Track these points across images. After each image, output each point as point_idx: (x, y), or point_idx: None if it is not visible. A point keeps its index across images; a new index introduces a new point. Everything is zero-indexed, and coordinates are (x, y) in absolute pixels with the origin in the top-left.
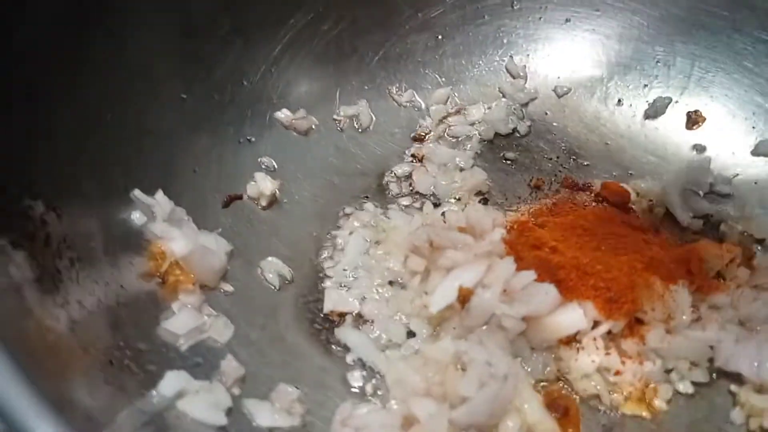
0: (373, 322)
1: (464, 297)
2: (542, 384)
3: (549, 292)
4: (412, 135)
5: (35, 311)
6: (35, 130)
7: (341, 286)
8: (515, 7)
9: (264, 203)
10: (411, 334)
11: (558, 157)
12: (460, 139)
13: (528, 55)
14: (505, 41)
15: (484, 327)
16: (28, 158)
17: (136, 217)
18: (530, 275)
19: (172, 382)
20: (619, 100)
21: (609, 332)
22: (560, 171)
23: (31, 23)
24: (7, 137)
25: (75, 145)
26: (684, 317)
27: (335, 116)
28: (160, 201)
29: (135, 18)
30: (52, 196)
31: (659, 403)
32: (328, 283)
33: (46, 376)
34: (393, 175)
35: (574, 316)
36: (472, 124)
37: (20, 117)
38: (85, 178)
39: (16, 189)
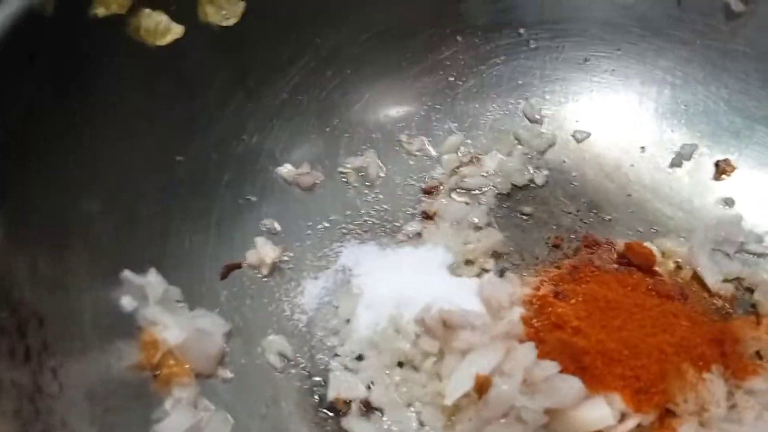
0: (381, 410)
1: (482, 386)
2: None
3: (574, 385)
4: (423, 187)
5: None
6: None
7: (347, 368)
8: (531, 46)
9: (265, 271)
10: (422, 425)
11: (578, 211)
12: (473, 192)
13: (545, 97)
14: (520, 82)
15: (503, 420)
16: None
17: (127, 302)
18: (554, 366)
19: None
20: (643, 147)
21: (638, 426)
22: (580, 227)
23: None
24: None
25: (60, 226)
26: (720, 409)
27: (341, 169)
28: (152, 281)
29: (125, 78)
30: (36, 293)
31: None
32: (333, 364)
33: None
34: (403, 233)
35: (600, 412)
36: (487, 175)
37: None
38: (73, 267)
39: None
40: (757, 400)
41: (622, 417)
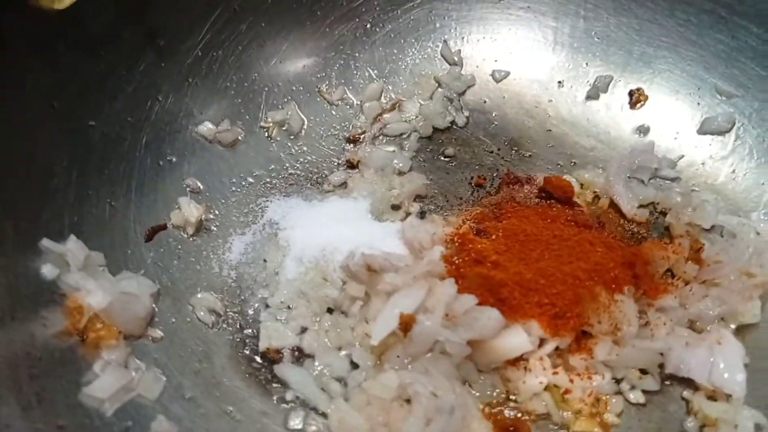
0: (313, 356)
1: (406, 324)
2: (492, 408)
3: (492, 316)
4: (347, 136)
5: None
6: None
7: (277, 318)
8: None
9: (191, 230)
10: (354, 366)
11: (499, 149)
12: (396, 137)
13: (463, 38)
14: (437, 25)
15: (429, 354)
16: None
17: (47, 270)
18: (472, 299)
19: None
20: (560, 82)
21: (556, 348)
22: (502, 165)
23: None
24: None
25: None
26: (631, 327)
27: (263, 123)
28: (72, 248)
29: (27, 46)
30: None
31: (611, 417)
32: (263, 315)
33: None
34: (329, 184)
35: (518, 339)
36: (409, 121)
37: None
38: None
39: None
40: (667, 317)
41: (541, 342)
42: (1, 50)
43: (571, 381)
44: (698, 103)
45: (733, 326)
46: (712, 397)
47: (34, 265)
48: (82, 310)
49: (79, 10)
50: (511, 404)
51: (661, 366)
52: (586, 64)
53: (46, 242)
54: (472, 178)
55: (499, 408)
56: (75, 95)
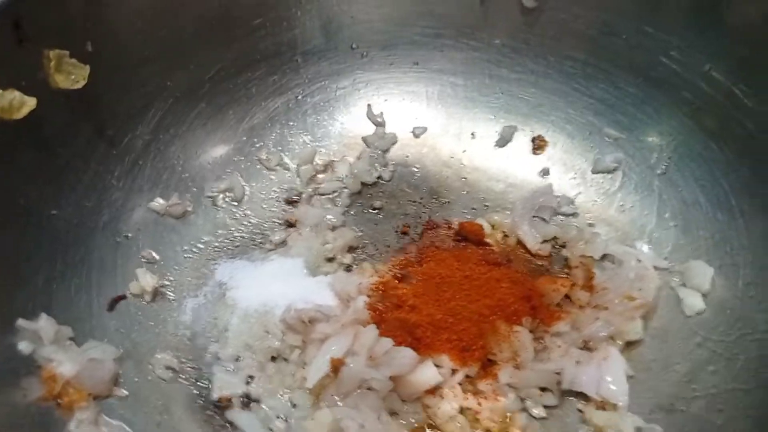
0: (259, 400)
1: (336, 367)
2: None
3: (406, 354)
4: (285, 198)
5: None
6: None
7: (227, 370)
8: (366, 57)
9: (148, 298)
10: (295, 406)
11: (422, 198)
12: (329, 195)
13: (385, 100)
14: (362, 92)
15: (358, 390)
16: None
17: (24, 346)
18: (389, 342)
19: None
20: (473, 134)
21: (466, 377)
22: (424, 212)
23: None
24: None
25: None
26: (527, 353)
27: (209, 193)
28: (44, 325)
29: None
30: None
31: (516, 431)
32: (215, 368)
33: None
34: (270, 243)
35: (429, 373)
36: (340, 179)
37: None
38: None
39: None
40: (562, 340)
41: (453, 372)
42: None
43: (479, 404)
44: (591, 146)
45: (620, 343)
46: (601, 407)
47: (13, 342)
48: (56, 378)
49: (35, 116)
50: (432, 429)
51: (559, 383)
52: (494, 116)
53: (21, 322)
54: (398, 226)
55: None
56: (37, 189)
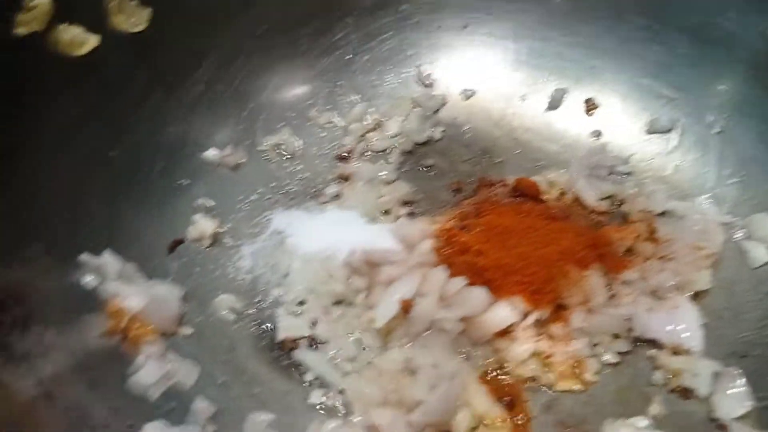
0: (326, 342)
1: (405, 308)
2: (486, 376)
3: (480, 294)
4: (337, 155)
5: (11, 387)
6: None
7: (291, 313)
8: (415, 20)
9: (207, 243)
10: (363, 348)
11: (473, 157)
12: (380, 153)
13: (433, 63)
14: (409, 53)
15: (428, 332)
16: None
17: (89, 280)
18: (461, 281)
19: None
20: (522, 96)
21: (538, 320)
22: (476, 171)
23: None
24: None
25: (21, 225)
26: (599, 297)
27: (261, 147)
28: (109, 261)
29: (51, 91)
30: (8, 279)
31: (589, 376)
32: (279, 311)
33: None
34: (324, 196)
35: (504, 312)
36: (392, 137)
37: None
38: (37, 255)
39: None
40: (631, 288)
41: (525, 315)
42: (34, 91)
43: (552, 346)
44: (644, 107)
45: (688, 293)
46: (675, 353)
47: (76, 278)
48: (122, 312)
49: (96, 55)
50: (502, 372)
51: (630, 330)
52: (544, 79)
53: (84, 257)
54: (451, 184)
55: (492, 375)
56: (97, 130)
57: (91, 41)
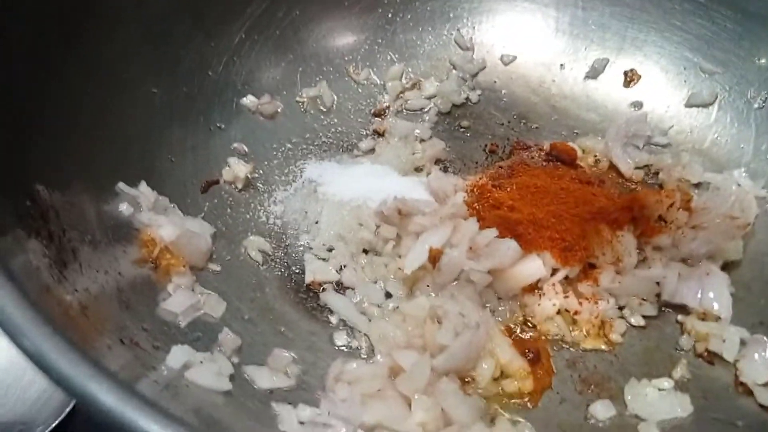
0: (352, 288)
1: (434, 257)
2: (511, 330)
3: (510, 246)
4: (373, 111)
5: (53, 290)
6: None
7: (319, 257)
8: None
9: (239, 185)
10: (388, 296)
11: (509, 122)
12: (416, 112)
13: (474, 27)
14: (451, 15)
15: (455, 282)
16: (28, 162)
17: (124, 208)
18: (492, 232)
19: (177, 355)
20: (561, 65)
21: (566, 277)
22: (512, 135)
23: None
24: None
25: (62, 146)
26: (631, 258)
27: (298, 98)
28: (144, 191)
29: (102, 24)
30: (50, 193)
31: (615, 337)
32: (307, 256)
33: (76, 341)
34: (358, 150)
35: (534, 266)
36: (429, 98)
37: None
38: (75, 176)
39: (23, 188)
40: (662, 254)
41: (553, 272)
42: (83, 27)
43: (580, 305)
44: (685, 81)
45: (719, 262)
46: (703, 319)
47: (112, 204)
48: (154, 242)
49: None
50: (528, 327)
51: (658, 295)
52: (585, 48)
53: (121, 185)
54: (485, 145)
55: (517, 329)
56: (140, 66)
57: None
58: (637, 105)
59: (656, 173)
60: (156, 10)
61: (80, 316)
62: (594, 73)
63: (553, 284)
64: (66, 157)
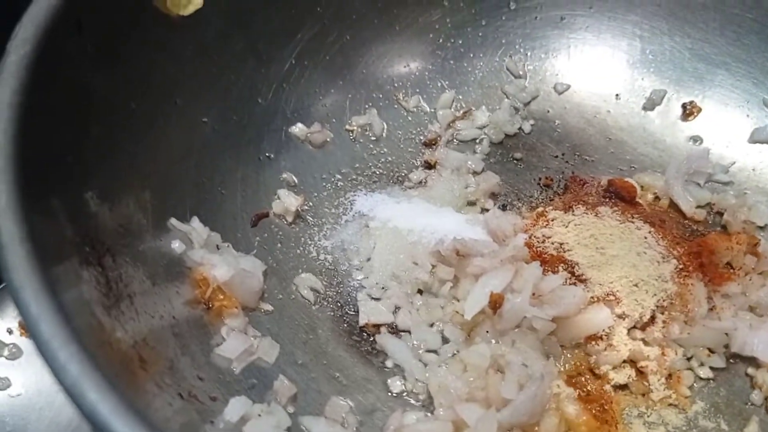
0: (408, 331)
1: (495, 302)
2: (574, 380)
3: (576, 294)
4: (423, 140)
5: (106, 328)
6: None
7: (372, 298)
8: (511, 8)
9: (290, 219)
10: (445, 340)
11: (563, 154)
12: (468, 142)
13: (527, 54)
14: (503, 41)
15: (516, 330)
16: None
17: (176, 245)
18: (558, 279)
19: (235, 408)
20: (617, 95)
21: (633, 327)
22: (567, 168)
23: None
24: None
25: (113, 183)
26: (701, 308)
27: (348, 127)
28: (197, 227)
29: (153, 49)
30: (105, 238)
31: (684, 389)
32: (360, 295)
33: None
34: (409, 182)
35: (602, 315)
36: (480, 128)
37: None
38: (130, 210)
39: (80, 232)
40: (731, 302)
41: (620, 318)
42: (135, 49)
43: (648, 355)
44: (747, 115)
45: None
46: None
47: (165, 242)
48: (208, 282)
49: (198, 17)
50: (593, 376)
51: (726, 346)
52: (642, 78)
53: (173, 221)
54: (540, 179)
55: (580, 379)
56: (191, 94)
57: (196, 2)
58: (697, 140)
59: (719, 213)
60: (210, 33)
61: (139, 369)
62: (651, 104)
63: (620, 333)
64: (119, 192)
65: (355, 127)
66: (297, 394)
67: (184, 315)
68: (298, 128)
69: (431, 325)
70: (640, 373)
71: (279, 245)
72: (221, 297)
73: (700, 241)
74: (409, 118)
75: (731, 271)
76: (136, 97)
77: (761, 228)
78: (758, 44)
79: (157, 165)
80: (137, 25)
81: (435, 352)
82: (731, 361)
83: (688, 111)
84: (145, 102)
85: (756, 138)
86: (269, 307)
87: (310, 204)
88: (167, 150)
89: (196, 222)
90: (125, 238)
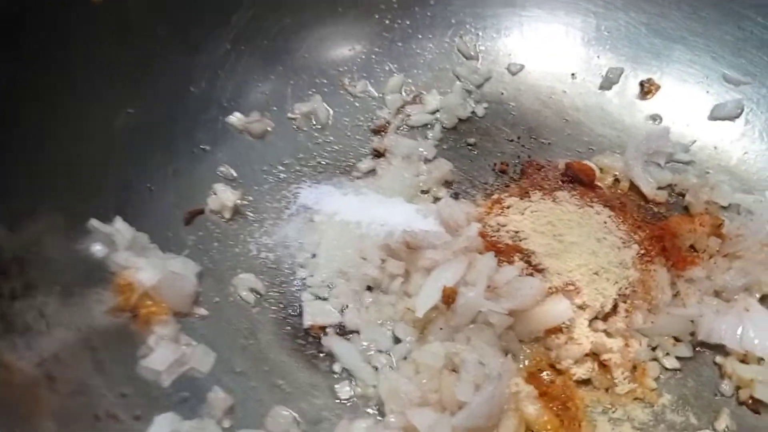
0: (357, 331)
1: (449, 296)
2: (535, 376)
3: (533, 285)
4: (371, 127)
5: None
6: None
7: (318, 297)
8: None
9: (227, 215)
10: (397, 340)
11: (519, 138)
12: (420, 128)
13: (478, 34)
14: (453, 21)
15: (471, 325)
16: None
17: (97, 249)
18: (514, 269)
19: (161, 426)
20: (573, 74)
21: (595, 317)
22: (523, 152)
23: None
24: None
25: (26, 177)
26: (665, 295)
27: (290, 115)
28: (120, 228)
29: (71, 34)
30: (11, 237)
31: (649, 381)
32: (305, 295)
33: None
34: (357, 171)
35: (561, 307)
36: (432, 113)
37: None
38: (42, 212)
39: None
40: (696, 287)
41: (580, 309)
42: (49, 38)
43: (611, 348)
44: (707, 91)
45: (757, 296)
46: (744, 360)
47: (84, 246)
48: (133, 288)
49: (119, 2)
50: (554, 372)
51: (692, 334)
52: (598, 56)
53: (94, 222)
54: (495, 164)
55: (540, 375)
56: (114, 84)
57: None
58: (656, 118)
59: (680, 194)
60: (131, 18)
61: (49, 392)
62: (608, 83)
63: (580, 324)
64: (29, 190)
65: (298, 115)
66: (234, 405)
67: (104, 325)
68: (235, 117)
69: (381, 324)
70: (604, 366)
71: (215, 244)
72: (149, 303)
73: (663, 225)
74: (356, 104)
75: (695, 254)
76: (47, 85)
77: (724, 208)
78: (716, 17)
79: (74, 161)
80: (51, 15)
81: (386, 353)
82: (698, 349)
83: (646, 89)
84: (58, 91)
85: (716, 115)
86: (204, 312)
87: (250, 198)
88: (87, 144)
89: (119, 222)
90: (34, 245)
